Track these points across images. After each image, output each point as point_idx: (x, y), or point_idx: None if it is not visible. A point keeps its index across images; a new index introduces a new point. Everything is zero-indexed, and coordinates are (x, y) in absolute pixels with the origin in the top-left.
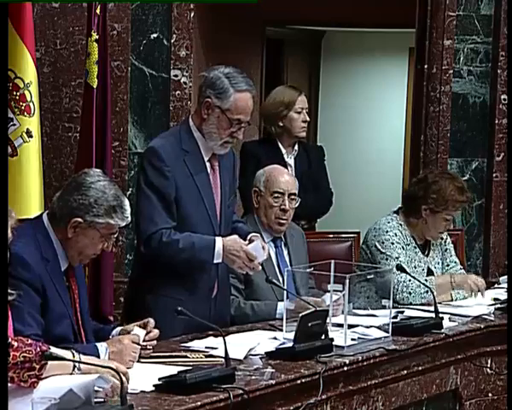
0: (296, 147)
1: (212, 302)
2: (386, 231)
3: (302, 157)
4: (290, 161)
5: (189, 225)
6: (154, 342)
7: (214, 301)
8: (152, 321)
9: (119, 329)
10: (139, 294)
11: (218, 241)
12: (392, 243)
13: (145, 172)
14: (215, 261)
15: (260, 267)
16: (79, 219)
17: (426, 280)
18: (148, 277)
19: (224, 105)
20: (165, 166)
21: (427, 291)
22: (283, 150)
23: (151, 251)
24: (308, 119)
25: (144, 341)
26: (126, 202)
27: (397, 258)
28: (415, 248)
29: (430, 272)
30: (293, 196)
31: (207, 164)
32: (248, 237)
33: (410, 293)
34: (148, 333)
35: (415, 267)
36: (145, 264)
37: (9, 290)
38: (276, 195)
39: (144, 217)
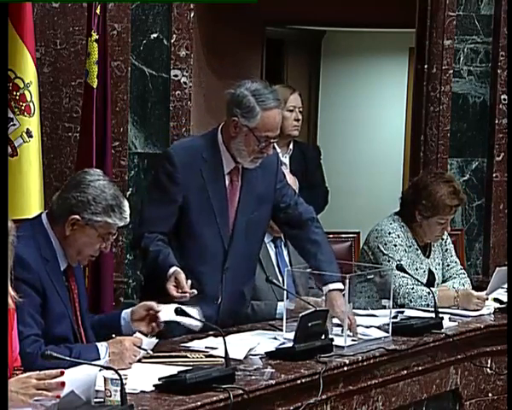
0: (291, 146)
1: (215, 308)
2: (389, 233)
3: (298, 156)
4: (285, 159)
5: (194, 234)
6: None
7: (218, 308)
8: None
9: (129, 311)
10: (145, 298)
11: (171, 269)
12: (395, 245)
13: (156, 173)
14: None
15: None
16: (77, 217)
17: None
18: (155, 281)
19: (251, 124)
20: (177, 172)
21: (427, 304)
22: (278, 149)
23: (135, 250)
24: (300, 117)
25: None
26: (125, 203)
27: (399, 260)
28: (416, 250)
29: (431, 274)
30: None
31: (227, 177)
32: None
33: (410, 301)
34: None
35: (416, 269)
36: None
37: (14, 294)
38: None
39: (140, 216)
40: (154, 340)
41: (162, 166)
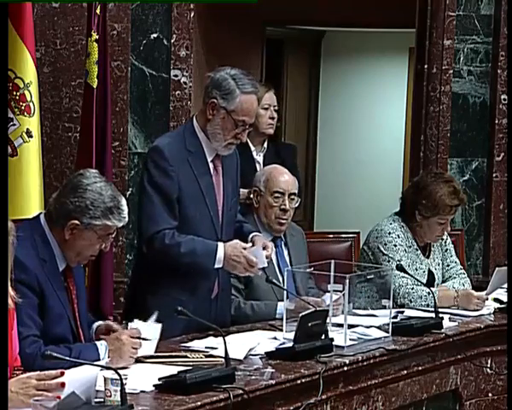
0: (265, 144)
1: (212, 303)
2: (389, 233)
3: (272, 155)
4: (259, 158)
5: (190, 226)
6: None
7: (215, 301)
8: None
9: (95, 325)
10: (140, 294)
11: (220, 247)
12: (395, 246)
13: (148, 172)
14: (216, 266)
15: (260, 272)
16: (76, 222)
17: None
18: (149, 277)
19: (230, 106)
20: (169, 165)
21: (427, 304)
22: (252, 147)
23: (153, 252)
24: (275, 116)
25: None
26: (123, 203)
27: (399, 260)
28: (416, 250)
29: (431, 274)
30: (293, 196)
31: (210, 165)
32: (250, 237)
33: (410, 301)
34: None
35: (416, 270)
36: (146, 264)
37: (14, 295)
38: (276, 195)
39: (146, 217)
40: (157, 325)
41: (153, 162)
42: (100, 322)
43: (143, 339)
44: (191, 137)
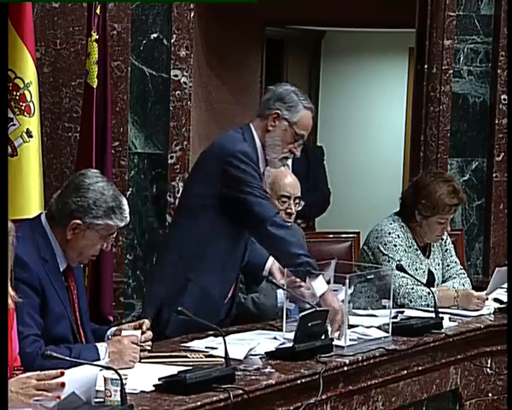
0: None
1: (223, 306)
2: (389, 233)
3: (300, 157)
4: (288, 160)
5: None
6: (150, 343)
7: (226, 304)
8: (147, 322)
9: (113, 329)
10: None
11: None
12: (395, 246)
13: (243, 171)
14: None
15: None
16: (78, 221)
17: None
18: (182, 273)
19: (293, 118)
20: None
21: (427, 304)
22: None
23: (276, 232)
24: None
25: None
26: (125, 202)
27: (399, 260)
28: (416, 250)
29: (431, 274)
30: (297, 200)
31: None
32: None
33: (410, 301)
34: (142, 334)
35: (416, 270)
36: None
37: (14, 294)
38: (283, 199)
39: (258, 205)
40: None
41: (244, 163)
42: (113, 328)
43: (140, 346)
44: (252, 145)
